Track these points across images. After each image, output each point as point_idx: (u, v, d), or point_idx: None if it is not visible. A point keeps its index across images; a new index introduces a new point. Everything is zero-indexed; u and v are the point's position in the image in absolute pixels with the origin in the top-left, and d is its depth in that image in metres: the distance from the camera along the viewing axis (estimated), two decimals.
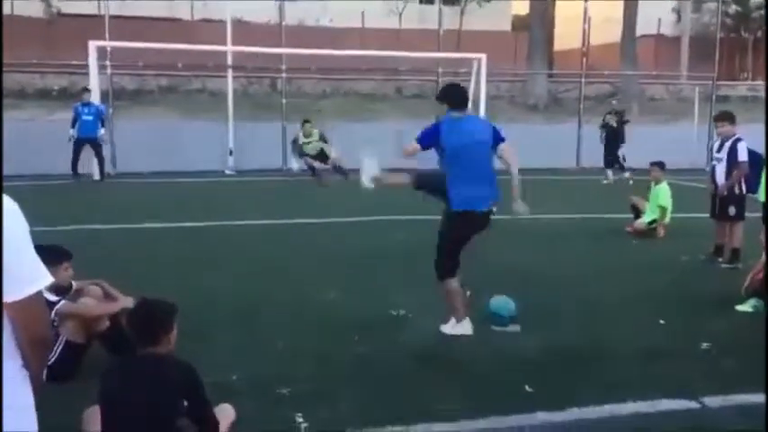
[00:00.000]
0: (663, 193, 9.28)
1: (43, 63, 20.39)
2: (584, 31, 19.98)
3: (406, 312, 5.62)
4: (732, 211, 7.49)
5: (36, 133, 14.72)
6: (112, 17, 16.84)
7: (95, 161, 14.53)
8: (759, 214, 6.53)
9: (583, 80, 19.92)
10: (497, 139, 5.08)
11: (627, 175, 15.51)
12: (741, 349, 4.88)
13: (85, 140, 14.20)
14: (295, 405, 3.88)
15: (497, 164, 5.15)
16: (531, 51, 23.57)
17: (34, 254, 1.86)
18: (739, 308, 5.82)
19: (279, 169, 16.40)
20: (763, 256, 5.97)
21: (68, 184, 13.70)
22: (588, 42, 20.25)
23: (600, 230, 9.51)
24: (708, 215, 7.90)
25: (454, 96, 5.11)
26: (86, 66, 15.23)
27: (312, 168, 14.61)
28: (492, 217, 5.17)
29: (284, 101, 17.70)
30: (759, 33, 31.70)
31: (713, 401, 4.05)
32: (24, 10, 24.19)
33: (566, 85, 24.21)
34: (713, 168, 7.78)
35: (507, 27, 32.69)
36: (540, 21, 23.85)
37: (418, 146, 4.97)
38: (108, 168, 15.02)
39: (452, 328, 5.15)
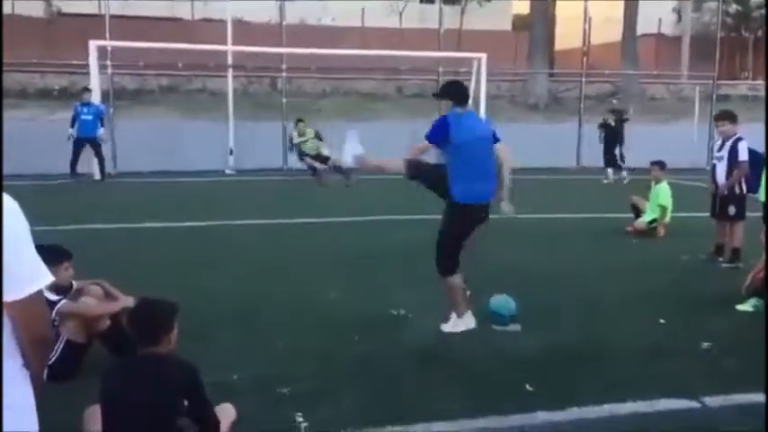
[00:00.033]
0: (663, 192, 9.28)
1: (44, 63, 20.40)
2: (584, 30, 19.98)
3: (407, 312, 5.62)
4: (732, 210, 7.49)
5: (37, 133, 14.74)
6: (113, 17, 16.85)
7: (96, 161, 14.53)
8: (760, 214, 6.53)
9: (583, 79, 19.92)
10: (495, 138, 5.12)
11: (623, 174, 15.51)
12: (741, 349, 4.88)
13: (85, 140, 14.21)
14: (295, 404, 3.89)
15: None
16: (532, 51, 23.57)
17: (35, 253, 1.86)
18: (740, 307, 5.82)
19: (279, 169, 16.40)
20: (764, 256, 5.97)
21: (69, 184, 13.71)
22: (589, 42, 20.25)
23: (600, 230, 9.51)
24: (708, 214, 7.90)
25: (457, 92, 5.12)
26: (87, 65, 15.24)
27: (313, 168, 14.61)
28: (491, 216, 5.17)
29: (284, 100, 17.71)
30: (759, 33, 31.68)
31: (714, 401, 4.05)
32: (25, 9, 24.19)
33: (566, 85, 24.20)
34: (713, 167, 7.78)
35: (508, 26, 32.67)
36: (540, 20, 23.85)
37: (428, 143, 4.94)
38: (109, 168, 15.03)
39: (453, 325, 5.16)
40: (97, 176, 14.44)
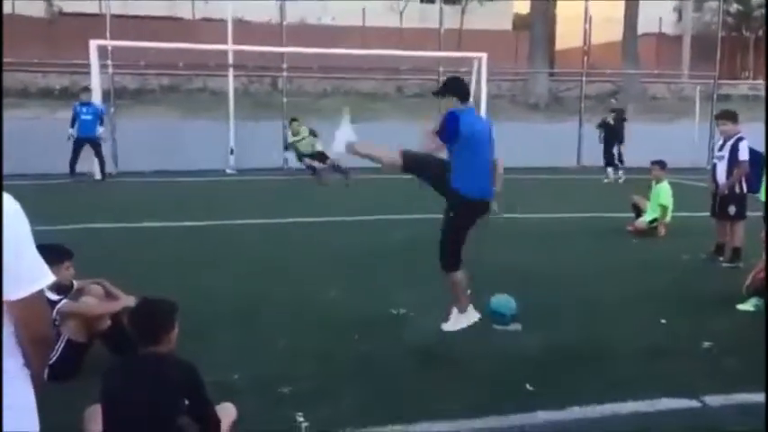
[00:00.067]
0: (664, 191, 9.28)
1: (45, 62, 20.42)
2: (585, 29, 19.97)
3: (407, 311, 5.62)
4: (732, 210, 7.49)
5: (38, 132, 14.75)
6: (114, 16, 16.85)
7: (96, 161, 14.54)
8: (761, 213, 6.53)
9: (584, 79, 19.91)
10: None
11: (619, 173, 15.50)
12: (742, 348, 4.88)
13: (85, 140, 14.22)
14: (296, 404, 3.89)
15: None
16: (532, 50, 23.56)
17: (36, 253, 1.86)
18: (740, 307, 5.82)
19: (280, 168, 16.41)
20: (764, 255, 5.97)
21: (69, 184, 13.71)
22: (589, 41, 20.24)
23: (601, 229, 9.50)
24: (708, 214, 7.89)
25: (461, 89, 5.12)
26: (88, 65, 15.24)
27: (312, 168, 14.60)
28: (491, 216, 5.18)
29: (285, 100, 17.71)
30: (760, 32, 31.66)
31: (714, 400, 4.05)
32: (26, 9, 24.20)
33: (567, 84, 24.19)
34: (714, 167, 7.77)
35: (508, 26, 32.67)
36: (541, 20, 23.84)
37: (441, 142, 4.88)
38: (109, 167, 15.03)
39: (454, 322, 5.16)
40: (98, 176, 14.44)
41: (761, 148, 7.31)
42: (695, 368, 4.56)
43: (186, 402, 2.98)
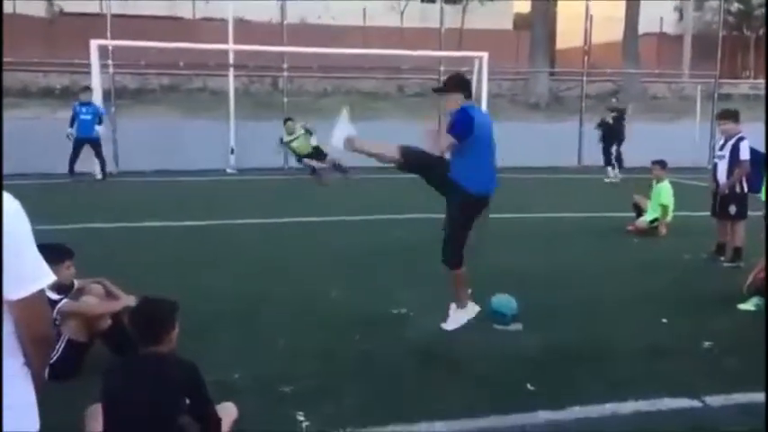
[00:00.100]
0: (664, 191, 9.28)
1: (45, 62, 20.43)
2: (585, 29, 19.96)
3: (408, 311, 5.62)
4: (733, 209, 7.48)
5: (39, 132, 14.75)
6: (114, 16, 16.84)
7: (96, 160, 14.54)
8: (762, 213, 6.52)
9: (584, 78, 19.90)
10: None
11: (615, 173, 15.49)
12: (743, 348, 4.88)
13: (85, 140, 14.23)
14: (297, 403, 3.89)
15: (500, 162, 5.18)
16: (533, 50, 23.56)
17: (36, 252, 1.86)
18: (741, 306, 5.82)
19: (280, 168, 16.40)
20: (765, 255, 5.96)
21: (70, 183, 13.72)
22: (590, 41, 20.22)
23: (601, 229, 9.50)
24: (709, 213, 7.89)
25: (467, 85, 5.12)
26: (88, 64, 15.24)
27: (312, 168, 14.59)
28: (490, 215, 5.18)
29: (286, 99, 17.70)
30: (761, 31, 31.63)
31: (715, 400, 4.05)
32: (26, 9, 24.21)
33: (567, 84, 24.18)
34: (715, 166, 7.77)
35: (509, 25, 32.66)
36: (541, 19, 23.84)
37: (454, 140, 4.81)
38: (110, 167, 15.03)
39: (454, 319, 5.16)
40: (98, 176, 14.44)
41: (762, 148, 7.30)
42: (696, 368, 4.56)
43: (187, 402, 2.98)
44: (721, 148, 7.65)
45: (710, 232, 7.91)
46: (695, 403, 4.02)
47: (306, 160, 14.63)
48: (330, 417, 3.75)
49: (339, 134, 4.98)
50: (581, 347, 4.88)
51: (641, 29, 24.78)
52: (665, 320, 5.52)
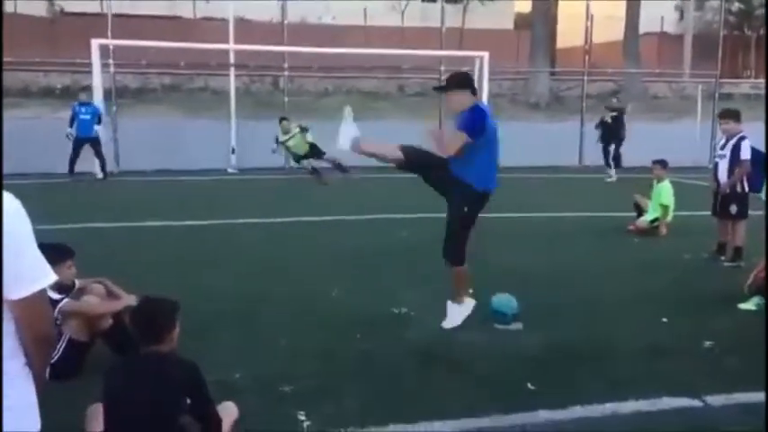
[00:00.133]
0: (665, 191, 9.27)
1: (46, 61, 20.44)
2: (586, 28, 19.95)
3: (409, 310, 5.62)
4: (734, 209, 7.48)
5: (40, 131, 14.77)
6: (115, 15, 16.85)
7: (97, 160, 14.55)
8: (762, 212, 6.52)
9: (585, 78, 19.89)
10: None
11: (611, 172, 15.49)
12: (744, 348, 4.88)
13: (85, 140, 14.25)
14: (297, 403, 3.89)
15: (501, 161, 5.19)
16: (534, 49, 23.55)
17: (38, 252, 1.86)
18: (742, 306, 5.81)
19: (281, 168, 16.41)
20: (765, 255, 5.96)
21: (71, 183, 13.73)
22: (591, 40, 20.22)
23: (602, 229, 9.50)
24: (710, 213, 7.89)
25: (472, 82, 5.12)
26: (89, 64, 15.25)
27: (313, 168, 14.57)
28: (491, 216, 5.18)
29: (286, 99, 17.71)
30: (762, 31, 31.61)
31: (716, 400, 4.04)
32: (27, 8, 24.23)
33: (568, 83, 24.18)
34: (716, 166, 7.76)
35: (509, 25, 32.67)
36: (542, 19, 23.83)
37: (469, 138, 4.77)
38: (111, 166, 15.04)
39: (453, 316, 5.16)
40: (99, 175, 14.45)
41: (762, 148, 7.30)
42: (697, 367, 4.55)
43: (188, 401, 2.98)
44: (722, 148, 7.64)
45: (711, 232, 7.90)
46: (696, 403, 4.01)
47: (305, 162, 14.61)
48: (331, 416, 3.75)
49: (345, 135, 4.95)
50: (582, 347, 4.88)
51: (642, 28, 24.77)
52: (665, 320, 5.52)
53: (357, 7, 26.59)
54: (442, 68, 18.60)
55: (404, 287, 6.23)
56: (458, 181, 4.88)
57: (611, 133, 15.61)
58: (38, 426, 1.92)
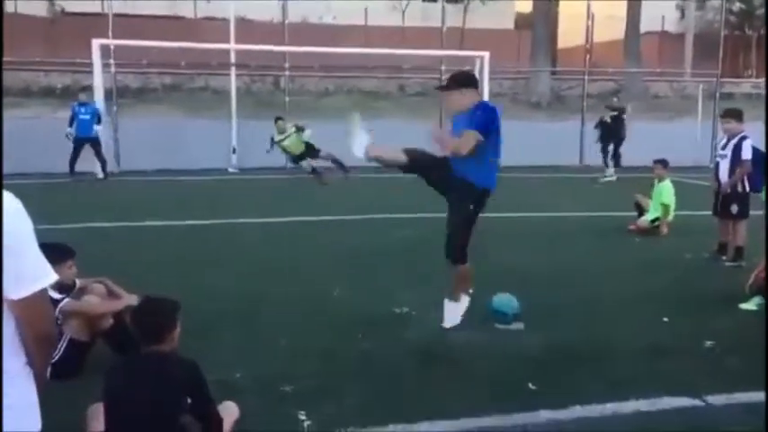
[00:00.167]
0: (666, 190, 9.27)
1: (47, 61, 20.46)
2: (587, 28, 19.95)
3: (409, 310, 5.62)
4: (735, 209, 7.47)
5: (40, 131, 14.78)
6: (116, 15, 16.87)
7: (97, 160, 14.57)
8: (763, 212, 6.51)
9: (586, 77, 19.90)
10: None
11: (607, 172, 15.47)
12: (745, 347, 4.87)
13: (84, 139, 14.27)
14: (298, 402, 3.89)
15: (502, 161, 5.19)
16: (534, 49, 23.55)
17: (38, 251, 1.86)
18: (743, 306, 5.81)
19: (282, 167, 16.42)
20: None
21: (71, 183, 13.74)
22: (591, 40, 20.22)
23: (603, 228, 9.49)
24: (711, 213, 7.88)
25: (477, 81, 5.11)
26: (90, 64, 15.27)
27: (313, 169, 14.56)
28: (491, 215, 5.18)
29: (287, 99, 17.72)
30: (763, 30, 31.57)
31: (717, 400, 4.04)
32: (28, 8, 24.24)
33: (569, 83, 24.17)
34: (717, 165, 7.75)
35: (510, 25, 32.63)
36: (543, 18, 23.82)
37: (481, 137, 4.77)
38: (112, 166, 15.05)
39: (451, 314, 5.16)
40: (100, 175, 14.47)
41: (763, 147, 7.29)
42: (697, 367, 4.55)
43: (189, 401, 2.98)
44: (723, 147, 7.64)
45: (712, 231, 7.90)
46: (697, 403, 4.01)
47: (303, 163, 14.58)
48: (331, 416, 3.75)
49: (358, 144, 4.93)
50: (582, 347, 4.88)
51: (643, 28, 24.75)
52: (666, 320, 5.51)
53: (358, 7, 26.57)
54: (443, 68, 18.60)
55: (405, 287, 6.23)
56: (460, 180, 4.89)
57: (611, 133, 15.61)
58: (38, 425, 1.92)
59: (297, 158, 14.69)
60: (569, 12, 27.71)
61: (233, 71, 17.41)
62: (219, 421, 3.15)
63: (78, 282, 4.48)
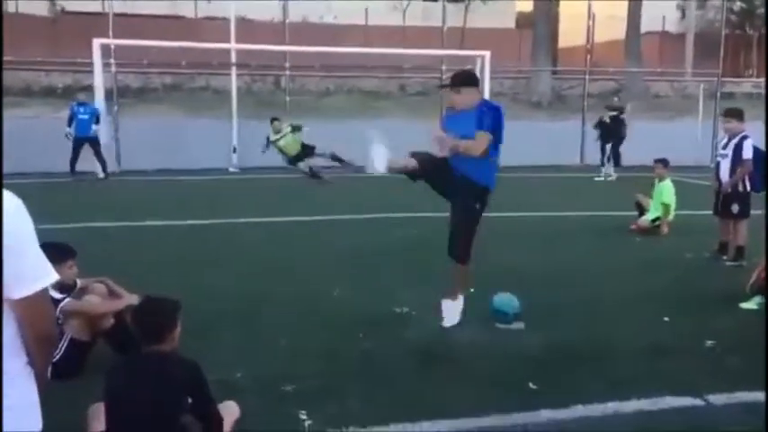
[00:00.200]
0: (666, 190, 9.26)
1: (48, 61, 20.46)
2: (588, 27, 19.94)
3: (410, 310, 5.62)
4: (735, 208, 7.47)
5: (41, 131, 14.79)
6: (116, 15, 16.87)
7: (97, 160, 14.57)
8: (764, 212, 6.51)
9: (587, 77, 19.89)
10: None
11: (604, 171, 15.45)
12: (745, 347, 4.87)
13: (84, 139, 14.28)
14: (299, 402, 3.89)
15: (503, 161, 5.20)
16: (535, 48, 23.54)
17: (39, 251, 1.86)
18: (744, 305, 5.81)
19: (283, 167, 16.42)
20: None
21: (72, 182, 13.74)
22: (592, 39, 20.22)
23: (603, 228, 9.49)
24: (712, 212, 7.87)
25: (479, 81, 5.12)
26: (91, 63, 15.27)
27: (311, 171, 14.52)
28: (492, 215, 5.19)
29: (288, 98, 17.73)
30: (764, 30, 31.56)
31: (717, 399, 4.04)
32: (29, 8, 24.25)
33: (569, 83, 24.17)
34: (718, 165, 7.75)
35: (511, 24, 32.62)
36: (544, 18, 23.82)
37: (491, 136, 4.81)
38: (112, 166, 15.06)
39: (450, 313, 5.16)
40: (101, 175, 14.47)
41: (763, 147, 7.28)
42: (698, 367, 4.55)
43: (189, 401, 2.98)
44: (724, 147, 7.63)
45: (713, 231, 7.89)
46: (697, 402, 4.01)
47: (301, 165, 14.53)
48: (332, 416, 3.75)
49: (379, 159, 4.90)
50: (583, 346, 4.88)
51: (643, 27, 24.75)
52: (667, 319, 5.51)
53: (358, 6, 26.57)
54: (444, 68, 18.60)
55: (405, 287, 6.23)
56: (461, 178, 4.90)
57: (610, 133, 15.61)
58: (39, 425, 1.92)
59: (293, 159, 14.65)
60: (570, 11, 27.71)
61: (233, 71, 17.42)
62: (220, 421, 3.15)
63: (79, 281, 4.48)
